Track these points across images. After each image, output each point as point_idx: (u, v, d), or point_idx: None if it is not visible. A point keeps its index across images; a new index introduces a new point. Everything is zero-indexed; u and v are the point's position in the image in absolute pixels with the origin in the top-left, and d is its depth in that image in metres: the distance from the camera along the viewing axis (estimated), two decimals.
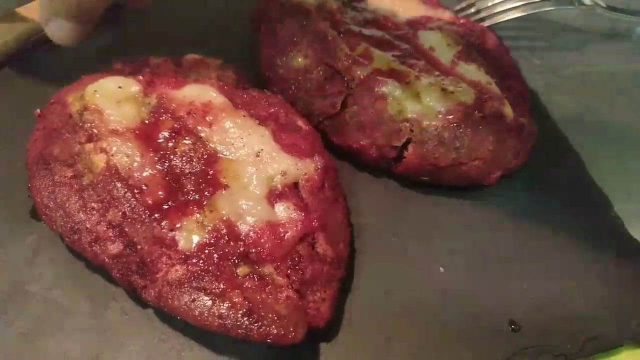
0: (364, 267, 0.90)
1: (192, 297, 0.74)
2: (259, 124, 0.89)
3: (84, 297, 0.85)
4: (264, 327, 0.73)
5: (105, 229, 0.79)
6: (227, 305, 0.73)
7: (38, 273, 0.86)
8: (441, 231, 0.96)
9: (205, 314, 0.73)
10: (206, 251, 0.77)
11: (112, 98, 0.88)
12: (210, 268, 0.76)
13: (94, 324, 0.82)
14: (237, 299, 0.74)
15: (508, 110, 0.97)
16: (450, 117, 0.93)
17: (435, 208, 0.99)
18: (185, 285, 0.75)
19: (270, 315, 0.73)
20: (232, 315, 0.73)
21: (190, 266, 0.76)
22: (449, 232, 0.96)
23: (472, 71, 1.01)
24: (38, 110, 0.93)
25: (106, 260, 0.78)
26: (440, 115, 0.93)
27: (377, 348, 0.82)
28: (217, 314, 0.73)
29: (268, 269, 0.78)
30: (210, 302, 0.73)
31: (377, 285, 0.88)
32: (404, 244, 0.94)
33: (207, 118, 0.88)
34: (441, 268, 0.91)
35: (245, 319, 0.73)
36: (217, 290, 0.74)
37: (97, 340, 0.81)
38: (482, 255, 0.93)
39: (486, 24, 1.26)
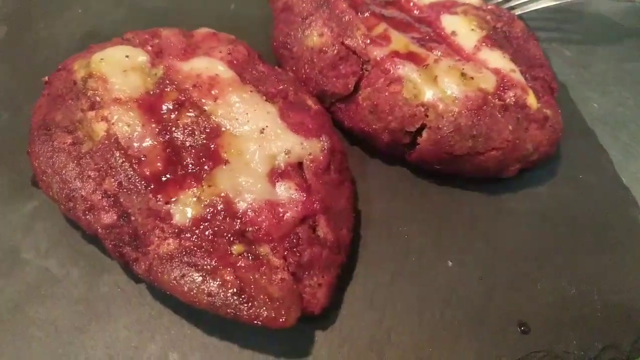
0: (367, 256, 0.86)
1: (182, 272, 0.71)
2: (266, 100, 0.85)
3: (77, 268, 0.83)
4: (254, 309, 0.69)
5: (100, 198, 0.77)
6: (217, 282, 0.70)
7: (34, 241, 0.85)
8: (453, 224, 0.91)
9: (194, 291, 0.70)
10: (201, 226, 0.74)
11: (118, 67, 0.86)
12: (203, 244, 0.73)
13: (86, 295, 0.81)
14: (228, 277, 0.70)
15: (532, 100, 0.91)
16: (469, 103, 0.88)
17: (448, 200, 0.94)
18: (176, 260, 0.72)
19: (261, 297, 0.70)
20: (222, 293, 0.69)
21: (183, 241, 0.73)
22: (460, 226, 0.91)
23: (496, 58, 0.96)
24: (46, 77, 0.92)
25: (99, 230, 0.76)
26: (459, 101, 0.88)
27: (375, 341, 0.78)
28: (206, 291, 0.70)
29: (264, 249, 0.74)
30: (200, 279, 0.70)
31: (380, 276, 0.84)
32: (412, 235, 0.89)
33: (212, 91, 0.85)
34: (449, 262, 0.86)
35: (235, 298, 0.69)
36: (208, 266, 0.71)
37: (87, 311, 0.79)
38: (494, 252, 0.88)
39: (517, 12, 1.19)
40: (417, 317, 0.81)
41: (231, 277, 0.70)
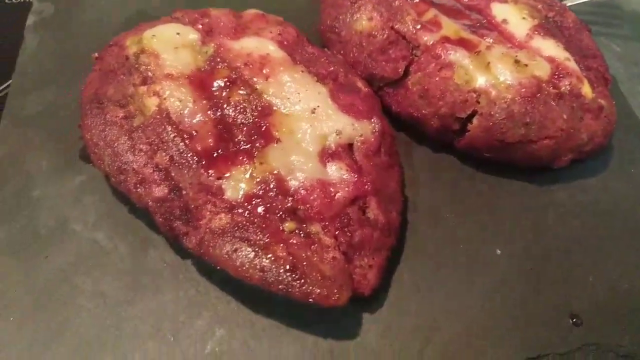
0: (415, 242, 0.85)
1: (235, 247, 0.70)
2: (317, 81, 0.85)
3: (124, 241, 0.83)
4: (306, 286, 0.68)
5: (151, 171, 0.77)
6: (270, 258, 0.69)
7: (82, 213, 0.86)
8: (501, 213, 0.89)
9: (247, 266, 0.70)
10: (253, 202, 0.74)
11: (170, 44, 0.86)
12: (255, 220, 0.73)
13: (132, 268, 0.81)
14: (281, 253, 0.70)
15: (587, 90, 0.89)
16: (523, 90, 0.86)
17: (497, 188, 0.92)
18: (228, 234, 0.71)
19: (314, 274, 0.69)
20: (275, 269, 0.69)
21: (235, 216, 0.73)
22: (509, 215, 0.89)
23: (549, 46, 0.94)
24: (96, 54, 0.92)
25: (150, 203, 0.76)
26: (512, 88, 0.86)
27: (422, 327, 0.77)
28: (258, 267, 0.69)
29: (315, 228, 0.73)
30: (252, 254, 0.70)
31: (427, 262, 0.83)
32: (459, 222, 0.87)
33: (264, 70, 0.84)
34: (498, 250, 0.85)
35: (288, 274, 0.69)
36: (261, 242, 0.70)
37: (134, 284, 0.79)
38: (545, 243, 0.86)
39: (567, 3, 1.17)
40: (464, 305, 0.79)
41: (284, 253, 0.70)
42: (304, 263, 0.70)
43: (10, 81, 1.01)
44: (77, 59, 1.02)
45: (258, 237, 0.71)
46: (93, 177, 0.89)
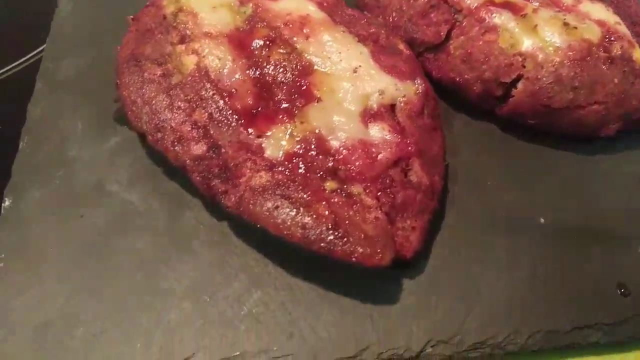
0: (455, 209, 0.82)
1: (276, 204, 0.69)
2: (358, 41, 0.82)
3: (160, 203, 0.82)
4: (349, 244, 0.66)
5: (189, 129, 0.75)
6: (312, 216, 0.67)
7: (117, 174, 0.85)
8: (544, 182, 0.86)
9: (288, 223, 0.68)
10: (293, 161, 0.72)
11: (207, 3, 0.85)
12: (296, 179, 0.71)
13: (168, 229, 0.79)
14: (323, 211, 0.68)
15: (638, 55, 0.85)
16: (572, 53, 0.83)
17: (538, 157, 0.89)
18: (269, 192, 0.70)
19: (357, 233, 0.67)
20: (317, 227, 0.67)
21: (275, 174, 0.71)
22: (552, 184, 0.86)
23: (598, 10, 0.90)
24: (131, 16, 0.91)
25: (188, 161, 0.75)
26: (560, 51, 0.83)
27: (464, 294, 0.74)
28: (300, 224, 0.67)
29: (357, 189, 0.71)
30: (294, 211, 0.68)
31: (468, 228, 0.80)
32: (501, 190, 0.84)
33: (304, 30, 0.82)
34: (541, 219, 0.82)
35: (330, 232, 0.67)
36: (302, 200, 0.69)
37: (170, 245, 0.78)
38: (589, 213, 0.83)
39: None
40: (507, 272, 0.76)
41: (326, 211, 0.68)
42: (347, 222, 0.68)
43: (45, 45, 1.01)
44: (111, 22, 1.01)
45: (299, 195, 0.69)
46: (128, 139, 0.88)
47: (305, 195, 0.69)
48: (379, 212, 0.70)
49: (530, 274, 0.76)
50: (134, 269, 0.76)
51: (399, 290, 0.74)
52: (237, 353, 0.70)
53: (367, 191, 0.71)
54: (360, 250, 0.66)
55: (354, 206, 0.69)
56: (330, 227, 0.67)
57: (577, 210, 0.83)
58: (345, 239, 0.66)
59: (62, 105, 0.92)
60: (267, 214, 0.68)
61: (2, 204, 0.81)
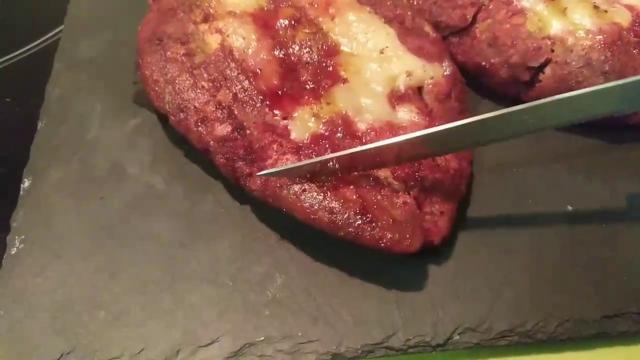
0: (481, 196, 0.81)
1: (303, 188, 0.67)
2: (385, 22, 0.81)
3: (180, 185, 0.81)
4: (377, 230, 0.65)
5: (214, 109, 0.74)
6: (340, 200, 0.66)
7: (137, 156, 0.84)
8: (570, 169, 0.84)
9: (315, 207, 0.66)
10: (320, 143, 0.70)
11: None
12: None
13: (189, 212, 0.78)
14: (350, 196, 0.66)
15: None
16: (602, 37, 0.81)
17: (565, 144, 0.87)
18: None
19: (385, 218, 0.66)
20: (345, 211, 0.65)
21: (302, 157, 0.69)
22: (579, 172, 0.84)
23: None
24: None
25: (211, 142, 0.73)
26: (590, 35, 0.81)
27: (492, 280, 0.73)
28: (327, 208, 0.66)
29: (384, 173, 0.70)
30: (321, 195, 0.67)
31: (494, 215, 0.79)
32: (527, 176, 0.83)
33: (329, 10, 0.81)
34: (569, 206, 0.80)
35: (358, 217, 0.65)
36: (329, 183, 0.67)
37: (190, 228, 0.77)
38: (617, 201, 0.81)
39: None
40: (535, 259, 0.75)
41: (354, 196, 0.66)
42: (375, 206, 0.66)
43: (63, 26, 0.99)
44: (130, 3, 1.00)
45: (327, 178, 0.67)
46: (148, 121, 0.87)
47: (332, 178, 0.67)
48: (408, 196, 0.68)
49: (558, 261, 0.75)
50: (154, 251, 0.75)
51: (425, 277, 0.73)
52: (262, 338, 0.68)
53: (395, 174, 0.70)
54: (389, 235, 0.64)
55: (382, 190, 0.68)
56: (358, 211, 0.65)
57: (606, 198, 0.81)
58: (373, 224, 0.65)
59: (80, 86, 0.91)
60: (294, 197, 0.67)
61: (22, 185, 0.80)
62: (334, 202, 0.66)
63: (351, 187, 0.67)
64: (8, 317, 0.70)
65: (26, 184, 0.80)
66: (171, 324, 0.69)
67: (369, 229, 0.65)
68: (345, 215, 0.65)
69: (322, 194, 0.67)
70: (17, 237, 0.76)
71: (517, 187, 0.82)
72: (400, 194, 0.68)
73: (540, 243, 0.76)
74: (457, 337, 0.69)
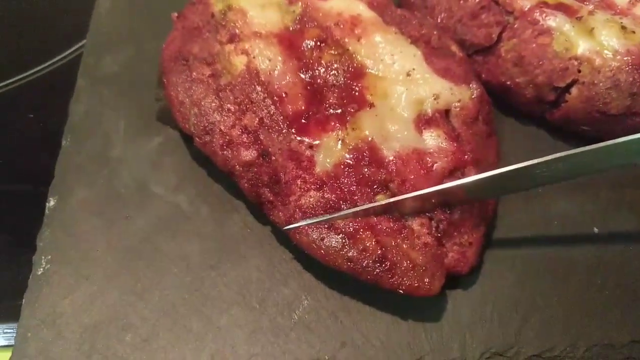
0: (507, 218, 0.80)
1: (321, 235, 0.67)
2: (411, 43, 0.80)
3: (205, 205, 0.81)
4: (396, 277, 0.66)
5: (239, 133, 0.74)
6: (358, 248, 0.66)
7: (162, 175, 0.84)
8: (596, 190, 0.83)
9: (334, 255, 0.67)
10: (345, 173, 0.70)
11: (257, 1, 0.83)
12: (347, 197, 0.69)
13: (215, 233, 0.78)
14: (369, 243, 0.66)
15: None
16: (630, 58, 0.80)
17: None
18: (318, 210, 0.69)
19: (405, 264, 0.66)
20: (363, 260, 0.66)
21: (326, 193, 0.69)
22: (605, 193, 0.83)
23: None
24: (175, 13, 0.89)
25: (237, 167, 0.73)
26: (618, 56, 0.80)
27: (520, 304, 0.73)
28: (346, 257, 0.66)
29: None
30: (340, 243, 0.67)
31: (521, 238, 0.79)
32: (552, 199, 0.82)
33: (355, 31, 0.80)
34: (595, 229, 0.80)
35: (376, 265, 0.66)
36: (349, 229, 0.67)
37: (218, 249, 0.77)
38: None
39: None
40: (562, 283, 0.75)
41: (372, 242, 0.66)
42: (394, 252, 0.66)
43: (84, 40, 0.99)
44: (152, 19, 1.00)
45: (346, 225, 0.68)
46: (171, 138, 0.87)
47: (353, 223, 0.67)
48: (429, 237, 0.68)
49: (585, 284, 0.74)
50: (181, 272, 0.75)
51: (453, 301, 0.73)
52: None
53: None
54: (408, 282, 0.65)
55: (403, 231, 0.68)
56: (376, 259, 0.66)
57: (632, 221, 0.81)
58: (392, 272, 0.65)
59: (103, 103, 0.91)
60: (313, 245, 0.67)
61: (47, 204, 0.80)
62: (352, 250, 0.66)
63: (370, 231, 0.67)
64: (37, 340, 0.70)
65: (52, 202, 0.81)
66: (200, 347, 0.70)
67: (388, 276, 0.66)
68: (364, 264, 0.66)
69: (340, 242, 0.67)
70: (43, 257, 0.76)
71: (542, 209, 0.81)
72: (421, 234, 0.68)
73: (567, 266, 0.76)
74: None
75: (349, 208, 0.69)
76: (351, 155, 0.71)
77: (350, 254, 0.67)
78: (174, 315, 0.72)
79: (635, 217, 0.81)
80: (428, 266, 0.67)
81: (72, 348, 0.70)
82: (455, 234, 0.70)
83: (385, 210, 0.69)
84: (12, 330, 0.74)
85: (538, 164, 0.62)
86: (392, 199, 0.68)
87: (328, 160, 0.71)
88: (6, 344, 0.78)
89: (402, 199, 0.68)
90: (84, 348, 0.70)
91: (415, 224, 0.69)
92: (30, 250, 0.77)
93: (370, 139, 0.72)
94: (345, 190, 0.70)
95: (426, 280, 0.66)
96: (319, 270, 0.75)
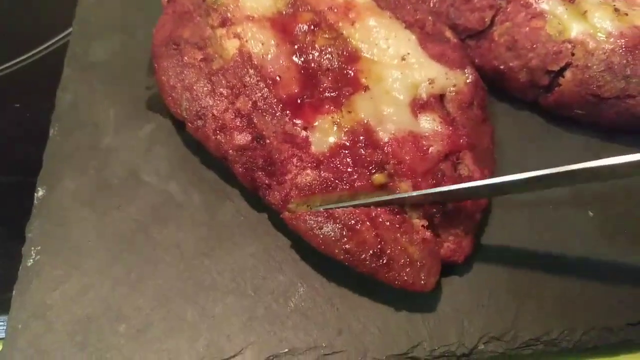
0: (502, 204, 0.80)
1: (320, 223, 0.67)
2: (405, 28, 0.79)
3: (198, 193, 0.79)
4: (393, 272, 0.65)
5: (233, 117, 0.73)
6: (356, 241, 0.65)
7: (153, 164, 0.82)
8: None
9: (331, 244, 0.66)
10: (341, 154, 0.69)
11: None
12: (343, 176, 0.68)
13: (208, 221, 0.77)
14: (368, 236, 0.65)
15: None
16: (623, 40, 0.80)
17: (584, 149, 0.86)
18: (314, 189, 0.68)
19: (401, 259, 0.65)
20: (361, 253, 0.65)
21: (322, 171, 0.68)
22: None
23: None
24: None
25: (230, 151, 0.72)
26: (612, 38, 0.80)
27: (516, 289, 0.72)
28: (344, 248, 0.65)
29: (405, 185, 0.69)
30: (338, 234, 0.66)
31: (516, 224, 0.78)
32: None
33: (349, 15, 0.79)
34: (590, 212, 0.80)
35: (374, 259, 0.65)
36: (348, 219, 0.66)
37: (211, 237, 0.76)
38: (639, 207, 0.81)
39: None
40: (558, 267, 0.74)
41: (372, 234, 0.66)
42: (391, 246, 0.66)
43: (71, 28, 0.97)
44: (140, 4, 0.98)
45: (344, 215, 0.67)
46: (162, 126, 0.85)
47: (350, 214, 0.66)
48: (427, 231, 0.68)
49: (581, 268, 0.74)
50: (174, 261, 0.74)
51: (449, 286, 0.72)
52: (286, 350, 0.68)
53: (416, 188, 0.69)
54: (405, 278, 0.65)
55: (402, 225, 0.67)
56: (374, 253, 0.65)
57: (627, 204, 0.81)
58: (388, 267, 0.65)
59: (92, 91, 0.89)
60: (311, 231, 0.66)
61: (36, 194, 0.79)
62: (350, 242, 0.65)
63: (369, 222, 0.66)
64: (27, 332, 0.68)
65: (40, 193, 0.79)
66: (195, 336, 0.68)
67: (384, 270, 0.65)
68: (362, 257, 0.65)
69: (338, 232, 0.66)
70: (32, 248, 0.75)
71: (539, 194, 0.81)
72: (419, 229, 0.68)
73: (562, 250, 0.76)
74: (482, 346, 0.69)
75: (346, 187, 0.68)
76: (347, 137, 0.70)
77: (348, 245, 0.66)
78: (168, 305, 0.71)
79: (630, 200, 0.81)
80: (425, 262, 0.66)
81: (64, 340, 0.68)
82: (451, 224, 0.69)
83: (386, 202, 0.68)
84: (2, 323, 0.72)
85: (543, 175, 0.61)
86: (395, 196, 0.67)
87: (324, 142, 0.70)
88: None
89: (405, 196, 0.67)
90: (77, 339, 0.68)
91: (414, 215, 0.69)
92: (20, 241, 0.75)
93: (365, 121, 0.71)
94: (342, 169, 0.69)
95: (422, 276, 0.66)
96: (314, 258, 0.74)
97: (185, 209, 0.78)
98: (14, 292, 0.71)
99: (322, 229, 0.67)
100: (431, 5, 0.92)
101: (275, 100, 0.72)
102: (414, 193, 0.67)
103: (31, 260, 0.74)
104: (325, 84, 0.74)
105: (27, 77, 1.00)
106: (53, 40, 1.03)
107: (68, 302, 0.71)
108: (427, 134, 0.71)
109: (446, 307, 0.71)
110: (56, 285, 0.72)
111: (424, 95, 0.74)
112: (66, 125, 0.85)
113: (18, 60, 1.01)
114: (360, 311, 0.70)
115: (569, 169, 0.59)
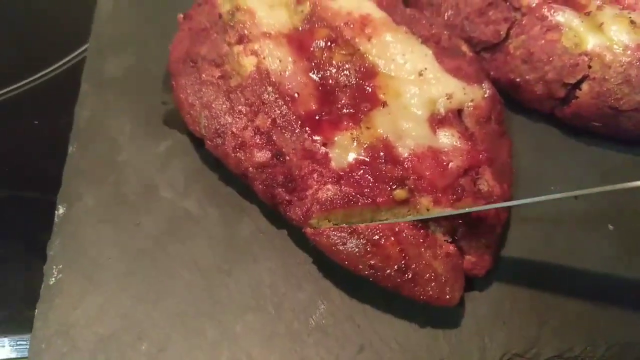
0: (520, 217, 0.79)
1: (343, 239, 0.67)
2: (422, 43, 0.79)
3: (216, 209, 0.80)
4: (417, 287, 0.65)
5: (252, 134, 0.73)
6: (381, 255, 0.65)
7: (170, 180, 0.82)
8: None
9: (355, 261, 0.66)
10: (361, 170, 0.69)
11: (264, 1, 0.82)
12: (364, 191, 0.68)
13: (226, 237, 0.77)
14: (392, 251, 0.65)
15: None
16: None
17: (601, 161, 0.86)
18: (336, 204, 0.68)
19: (426, 274, 0.65)
20: (386, 268, 0.65)
21: (343, 186, 0.68)
22: (619, 190, 0.82)
23: None
24: (181, 15, 0.88)
25: (250, 169, 0.72)
26: (629, 51, 0.80)
27: (537, 302, 0.72)
28: (368, 264, 0.66)
29: (426, 200, 0.69)
30: (362, 249, 0.66)
31: (535, 236, 0.78)
32: (566, 198, 0.81)
33: (365, 31, 0.79)
34: (610, 226, 0.79)
35: (399, 274, 0.65)
36: (372, 234, 0.66)
37: (229, 253, 0.76)
38: None
39: None
40: (580, 282, 0.74)
41: (396, 249, 0.66)
42: (416, 261, 0.66)
43: (88, 44, 0.98)
44: (155, 21, 0.98)
45: (368, 231, 0.67)
46: (179, 142, 0.86)
47: (374, 229, 0.66)
48: (451, 245, 0.68)
49: (603, 283, 0.74)
50: (194, 279, 0.74)
51: (470, 302, 0.72)
52: None
53: (435, 203, 0.69)
54: (430, 292, 0.65)
55: (426, 240, 0.67)
56: (399, 268, 0.65)
57: None
58: (414, 282, 0.65)
59: (109, 107, 0.90)
60: (334, 249, 0.66)
61: (56, 212, 0.79)
62: (375, 257, 0.65)
63: (394, 237, 0.66)
64: (51, 351, 0.69)
65: (61, 210, 0.79)
66: (216, 355, 0.69)
67: (409, 285, 0.65)
68: (387, 272, 0.65)
69: (363, 248, 0.66)
70: (54, 266, 0.75)
71: (557, 207, 0.81)
72: (443, 243, 0.68)
73: (584, 265, 0.75)
74: None
75: (367, 201, 0.68)
76: (366, 153, 0.70)
77: (372, 261, 0.66)
78: (188, 323, 0.71)
79: None
80: (449, 276, 0.67)
81: (87, 358, 0.69)
82: (472, 237, 0.69)
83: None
84: (25, 342, 0.72)
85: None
86: (421, 217, 0.68)
87: (343, 158, 0.70)
88: (19, 355, 0.77)
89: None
90: (100, 359, 0.68)
91: (437, 230, 0.69)
92: (39, 255, 0.76)
93: (384, 137, 0.71)
94: (363, 184, 0.69)
95: (447, 290, 0.66)
96: (335, 274, 0.74)
97: (203, 225, 0.78)
98: (36, 310, 0.71)
99: (345, 244, 0.67)
100: (445, 18, 0.92)
101: (294, 117, 0.72)
102: (445, 212, 0.67)
103: (53, 279, 0.74)
104: (343, 101, 0.74)
105: (46, 94, 1.00)
106: (70, 57, 1.04)
107: (90, 320, 0.71)
108: (446, 149, 0.71)
109: (467, 322, 0.71)
110: (78, 304, 0.72)
111: (442, 111, 0.74)
112: (84, 142, 0.86)
113: (37, 76, 1.02)
114: (381, 327, 0.70)
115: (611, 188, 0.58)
